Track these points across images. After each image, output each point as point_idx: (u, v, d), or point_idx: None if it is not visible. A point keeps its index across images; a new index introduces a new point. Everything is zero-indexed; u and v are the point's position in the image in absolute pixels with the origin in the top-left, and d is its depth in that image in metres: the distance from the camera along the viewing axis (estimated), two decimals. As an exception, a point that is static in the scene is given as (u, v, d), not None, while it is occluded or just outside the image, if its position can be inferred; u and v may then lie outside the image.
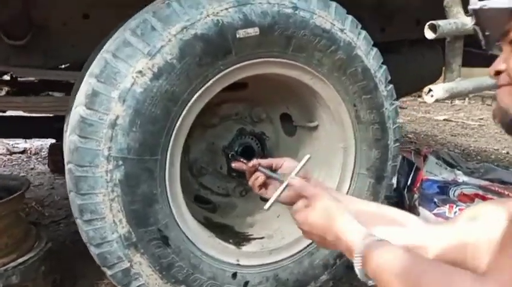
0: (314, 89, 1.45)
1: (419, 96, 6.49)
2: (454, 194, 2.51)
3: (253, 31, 1.24)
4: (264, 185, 1.05)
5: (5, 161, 3.69)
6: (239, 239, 1.50)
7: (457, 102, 6.10)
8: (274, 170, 1.04)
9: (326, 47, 1.37)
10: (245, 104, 1.64)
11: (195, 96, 1.22)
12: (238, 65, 1.26)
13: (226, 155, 1.54)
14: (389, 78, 1.56)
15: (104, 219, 1.17)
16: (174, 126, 1.21)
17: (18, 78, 2.41)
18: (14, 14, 1.65)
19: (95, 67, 1.17)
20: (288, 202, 0.98)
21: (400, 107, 5.83)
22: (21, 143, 4.03)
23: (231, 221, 1.61)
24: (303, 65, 1.37)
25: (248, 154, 1.56)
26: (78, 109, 1.16)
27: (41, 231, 1.85)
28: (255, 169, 1.05)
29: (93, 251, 1.21)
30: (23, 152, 3.90)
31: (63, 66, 2.13)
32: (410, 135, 4.46)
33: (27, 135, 2.89)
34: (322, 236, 0.86)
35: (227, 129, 1.59)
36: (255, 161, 1.05)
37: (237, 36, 1.22)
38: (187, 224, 1.31)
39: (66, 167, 1.19)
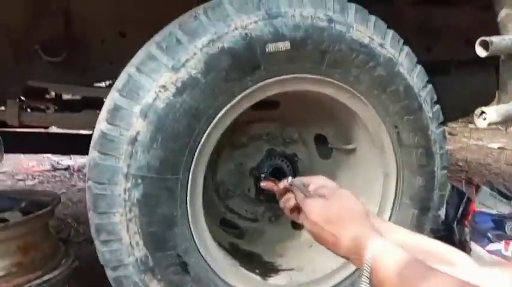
0: (351, 108, 1.34)
1: (470, 122, 6.16)
2: (510, 229, 2.27)
3: (283, 45, 1.16)
4: (297, 207, 0.92)
5: (49, 177, 3.81)
6: (266, 269, 1.39)
7: (512, 129, 5.70)
8: None
9: (364, 62, 1.27)
10: (277, 123, 1.56)
11: (221, 113, 1.15)
12: (267, 81, 1.18)
13: (255, 176, 1.45)
14: (435, 98, 1.43)
15: (120, 241, 1.11)
16: (197, 144, 1.14)
17: (63, 97, 2.49)
18: (54, 33, 1.70)
19: (118, 81, 1.13)
20: None
21: (450, 134, 5.54)
22: (65, 160, 4.15)
23: (258, 249, 1.51)
24: (339, 82, 1.27)
25: (278, 176, 1.46)
26: (100, 125, 1.12)
27: (70, 249, 1.83)
28: (286, 190, 0.95)
29: (109, 274, 1.15)
30: (67, 168, 4.01)
31: (103, 84, 2.16)
32: (460, 164, 4.16)
33: (70, 152, 2.96)
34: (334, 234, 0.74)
35: (256, 150, 1.50)
36: (285, 181, 0.95)
37: (267, 50, 1.15)
38: (209, 251, 1.22)
39: (86, 184, 1.15)
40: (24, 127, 2.39)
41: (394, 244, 0.69)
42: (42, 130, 2.58)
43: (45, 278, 1.57)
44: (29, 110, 1.86)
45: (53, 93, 2.46)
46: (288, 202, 0.94)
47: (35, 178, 3.74)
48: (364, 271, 0.67)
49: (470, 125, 6.04)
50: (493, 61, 1.74)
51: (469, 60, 2.34)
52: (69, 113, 1.79)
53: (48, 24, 1.68)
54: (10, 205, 1.73)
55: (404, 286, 0.61)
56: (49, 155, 4.35)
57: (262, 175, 1.40)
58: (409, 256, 0.65)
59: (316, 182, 0.91)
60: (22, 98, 2.18)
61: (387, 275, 0.63)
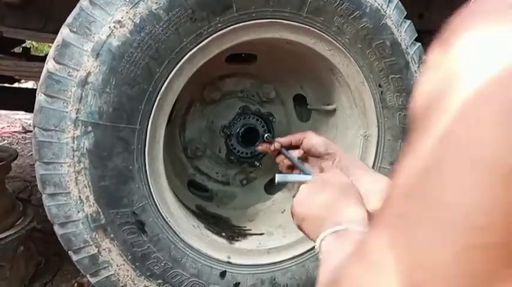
0: (332, 63, 1.22)
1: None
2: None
3: (259, -16, 1.03)
4: (292, 167, 0.94)
5: (19, 138, 3.64)
6: (234, 233, 1.29)
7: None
8: (295, 147, 0.94)
9: (348, 11, 1.15)
10: (253, 80, 1.44)
11: (186, 57, 1.02)
12: (240, 25, 1.06)
13: (226, 135, 1.34)
14: (424, 57, 1.32)
15: (68, 194, 0.99)
16: (157, 91, 1.01)
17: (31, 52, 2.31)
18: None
19: (69, 16, 0.99)
20: None
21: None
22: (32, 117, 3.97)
23: (227, 213, 1.41)
24: (320, 32, 1.15)
25: (252, 136, 1.35)
26: (47, 64, 0.98)
27: (28, 208, 1.71)
28: (278, 152, 0.96)
29: (57, 231, 1.03)
30: (39, 131, 3.84)
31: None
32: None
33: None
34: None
35: (229, 107, 1.39)
36: (276, 145, 0.96)
37: (240, -12, 1.02)
38: (170, 210, 1.12)
39: (32, 131, 1.02)
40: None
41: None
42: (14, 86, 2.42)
43: (-3, 237, 1.46)
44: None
45: (20, 48, 2.30)
46: (282, 162, 0.95)
47: (4, 139, 3.57)
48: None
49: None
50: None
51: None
52: (28, 61, 1.64)
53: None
54: (-38, 159, 1.59)
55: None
56: (21, 117, 4.17)
57: (265, 136, 1.30)
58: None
59: (303, 141, 0.92)
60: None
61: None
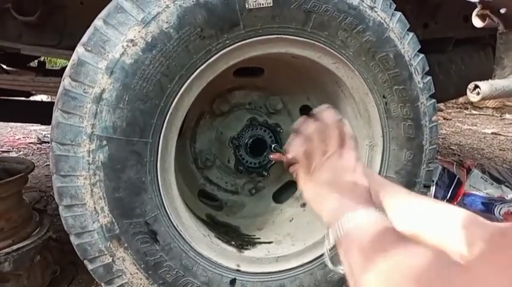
0: (337, 75, 1.26)
1: (466, 108, 6.11)
2: (499, 212, 2.25)
3: (265, 2, 1.07)
4: None
5: (34, 149, 3.72)
6: (243, 242, 1.33)
7: (507, 116, 5.64)
8: None
9: (352, 26, 1.19)
10: (260, 92, 1.48)
11: (195, 73, 1.07)
12: (247, 41, 1.10)
13: (235, 146, 1.38)
14: (427, 68, 1.35)
15: (84, 206, 1.04)
16: (169, 106, 1.06)
17: (46, 67, 2.39)
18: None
19: (84, 35, 1.04)
20: None
21: (444, 118, 5.47)
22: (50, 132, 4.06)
23: (236, 222, 1.44)
24: (324, 46, 1.19)
25: (259, 146, 1.39)
26: (63, 81, 1.04)
27: (44, 219, 1.77)
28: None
29: (73, 241, 1.08)
30: (53, 142, 3.92)
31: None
32: (453, 147, 4.11)
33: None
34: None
35: (237, 119, 1.43)
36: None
37: (247, 6, 1.06)
38: (181, 220, 1.16)
39: (50, 145, 1.07)
40: (6, 95, 2.31)
41: (371, 215, 0.63)
42: (30, 99, 2.50)
43: (15, 247, 1.51)
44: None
45: (35, 63, 2.37)
46: (295, 171, 0.92)
47: (20, 151, 3.66)
48: (330, 240, 0.63)
49: (466, 111, 5.99)
50: (492, 41, 1.66)
51: (467, 38, 2.26)
52: (44, 77, 1.70)
53: (21, -20, 1.58)
54: (-19, 172, 1.66)
55: (365, 260, 0.55)
56: (36, 128, 4.27)
57: (273, 146, 1.33)
58: (380, 227, 0.60)
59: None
60: (2, 66, 2.10)
61: (351, 247, 0.57)
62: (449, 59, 2.30)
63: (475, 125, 5.21)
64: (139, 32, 1.00)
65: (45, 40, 1.70)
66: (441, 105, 5.84)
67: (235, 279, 1.22)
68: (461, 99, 5.73)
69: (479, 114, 5.84)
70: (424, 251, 0.52)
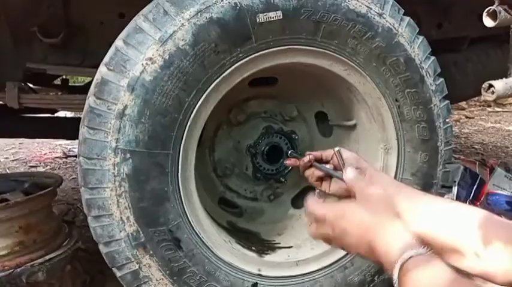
0: (349, 82, 1.29)
1: (489, 106, 6.00)
2: (525, 210, 2.21)
3: (275, 15, 1.12)
4: (321, 178, 0.95)
5: (60, 163, 3.86)
6: (263, 247, 1.37)
7: (532, 112, 5.51)
8: (325, 162, 0.96)
9: (361, 33, 1.22)
10: (275, 101, 1.52)
11: (211, 87, 1.12)
12: (259, 53, 1.15)
13: (252, 154, 1.42)
14: (438, 70, 1.36)
15: (111, 216, 1.10)
16: (187, 119, 1.11)
17: (69, 83, 2.49)
18: (53, 14, 1.68)
19: (106, 55, 1.11)
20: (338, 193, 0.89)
21: (467, 117, 5.39)
22: (77, 148, 4.19)
23: (256, 228, 1.49)
24: (335, 54, 1.23)
25: (276, 154, 1.43)
26: (88, 99, 1.11)
27: (73, 230, 1.84)
28: (310, 165, 0.98)
29: (102, 250, 1.14)
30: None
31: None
32: (476, 146, 4.05)
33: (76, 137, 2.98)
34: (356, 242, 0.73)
35: (254, 128, 1.47)
36: (310, 157, 0.98)
37: (258, 21, 1.11)
38: (203, 227, 1.21)
39: (77, 159, 1.14)
40: (33, 112, 2.42)
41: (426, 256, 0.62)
42: (55, 115, 2.60)
43: (47, 257, 1.59)
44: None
45: (59, 80, 2.48)
46: (312, 174, 0.96)
47: (47, 165, 3.80)
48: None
49: (488, 109, 5.87)
50: (508, 38, 1.66)
51: (482, 37, 2.25)
52: (69, 95, 1.79)
53: (46, 5, 1.67)
54: (13, 187, 1.74)
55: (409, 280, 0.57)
56: (62, 143, 4.42)
57: (289, 152, 1.37)
58: (450, 273, 0.59)
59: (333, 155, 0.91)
60: (30, 85, 2.21)
61: None
62: (466, 58, 2.29)
63: (499, 123, 5.11)
64: (157, 50, 1.06)
65: (69, 60, 1.79)
66: (463, 104, 5.75)
67: (256, 283, 1.26)
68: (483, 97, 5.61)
69: (502, 111, 5.72)
70: None
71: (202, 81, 1.10)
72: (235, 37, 1.10)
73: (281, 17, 1.13)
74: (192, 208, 1.18)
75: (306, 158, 0.98)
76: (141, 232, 1.11)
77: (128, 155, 1.07)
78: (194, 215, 1.19)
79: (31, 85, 2.24)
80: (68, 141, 4.29)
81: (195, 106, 1.12)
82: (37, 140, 4.45)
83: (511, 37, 1.61)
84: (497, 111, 5.74)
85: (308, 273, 1.33)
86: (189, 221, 1.17)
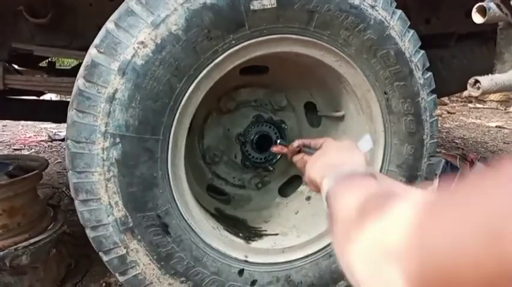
0: (339, 73, 1.30)
1: (470, 102, 6.11)
2: (503, 204, 2.27)
3: (269, 3, 1.12)
4: None
5: (45, 147, 3.80)
6: (250, 234, 1.38)
7: (512, 109, 5.65)
8: (312, 150, 0.97)
9: (354, 24, 1.23)
10: (265, 90, 1.52)
11: (203, 73, 1.12)
12: (252, 41, 1.14)
13: (241, 142, 1.43)
14: (427, 64, 1.38)
15: (99, 200, 1.09)
16: (178, 105, 1.11)
17: (56, 66, 2.44)
18: (40, -7, 1.64)
19: (97, 37, 1.10)
20: None
21: (448, 112, 5.48)
22: (63, 131, 4.14)
23: (244, 215, 1.50)
24: (327, 45, 1.23)
25: (265, 142, 1.44)
26: (77, 82, 1.09)
27: (58, 214, 1.83)
28: (299, 150, 1.03)
29: (89, 234, 1.14)
30: (63, 139, 3.99)
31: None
32: (457, 141, 4.13)
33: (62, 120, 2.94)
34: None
35: (244, 116, 1.48)
36: (300, 142, 1.03)
37: (251, 8, 1.10)
38: (191, 213, 1.21)
39: (65, 143, 1.13)
40: (18, 95, 2.37)
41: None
42: (41, 98, 2.56)
43: (32, 241, 1.57)
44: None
45: (45, 63, 2.43)
46: (301, 159, 1.01)
47: (31, 148, 3.73)
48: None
49: (470, 105, 5.99)
50: (494, 35, 1.69)
51: (469, 33, 2.28)
52: (56, 77, 1.76)
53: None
54: (-3, 169, 1.71)
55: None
56: (47, 126, 4.34)
57: (278, 141, 1.39)
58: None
59: (323, 143, 0.93)
60: (15, 66, 2.15)
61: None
62: (452, 54, 2.32)
63: (479, 119, 5.22)
64: (149, 34, 1.05)
65: (56, 41, 1.75)
66: (445, 99, 5.85)
67: (243, 269, 1.28)
68: (465, 93, 5.72)
69: (483, 107, 5.84)
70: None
71: (194, 67, 1.10)
72: (228, 23, 1.10)
73: (275, 5, 1.12)
74: (180, 194, 1.19)
75: (296, 143, 1.02)
76: (129, 217, 1.11)
77: (118, 140, 1.06)
78: (183, 201, 1.19)
79: (16, 67, 2.19)
80: (53, 125, 4.23)
81: (186, 92, 1.11)
82: (22, 122, 4.37)
83: (498, 34, 1.65)
84: (478, 108, 5.86)
85: (294, 260, 1.35)
86: (178, 207, 1.17)
